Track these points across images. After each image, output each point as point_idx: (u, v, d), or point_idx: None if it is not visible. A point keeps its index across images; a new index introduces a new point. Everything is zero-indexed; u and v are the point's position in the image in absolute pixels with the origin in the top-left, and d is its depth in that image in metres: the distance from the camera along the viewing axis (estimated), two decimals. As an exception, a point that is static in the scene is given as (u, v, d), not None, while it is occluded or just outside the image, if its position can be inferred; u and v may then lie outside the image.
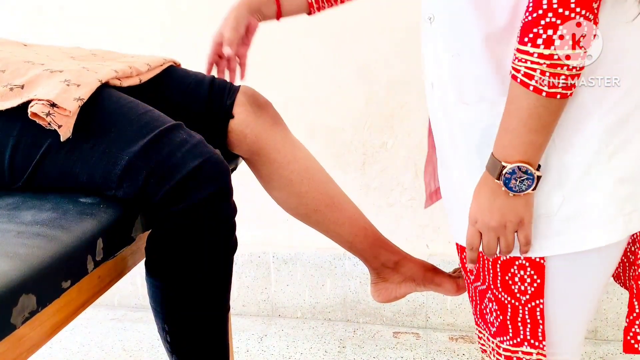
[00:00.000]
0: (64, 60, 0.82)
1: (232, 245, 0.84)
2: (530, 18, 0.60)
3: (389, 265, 1.00)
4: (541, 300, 0.72)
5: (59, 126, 0.69)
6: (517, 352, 0.75)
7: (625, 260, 0.79)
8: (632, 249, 0.76)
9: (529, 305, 0.73)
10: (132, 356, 1.61)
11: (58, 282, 0.63)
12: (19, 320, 0.57)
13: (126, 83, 0.83)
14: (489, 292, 0.77)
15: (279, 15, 0.98)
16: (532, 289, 0.72)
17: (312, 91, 1.63)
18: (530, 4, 0.60)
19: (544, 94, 0.61)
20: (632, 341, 0.73)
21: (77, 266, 0.66)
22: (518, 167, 0.65)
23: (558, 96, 0.61)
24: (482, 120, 0.70)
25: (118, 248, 0.74)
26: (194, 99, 0.89)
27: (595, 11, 0.59)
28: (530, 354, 0.74)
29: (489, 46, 0.67)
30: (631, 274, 0.79)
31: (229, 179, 0.79)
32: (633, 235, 0.74)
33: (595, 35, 0.60)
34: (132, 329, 1.74)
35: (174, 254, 0.78)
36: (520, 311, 0.74)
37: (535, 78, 0.61)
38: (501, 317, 0.76)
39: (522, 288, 0.73)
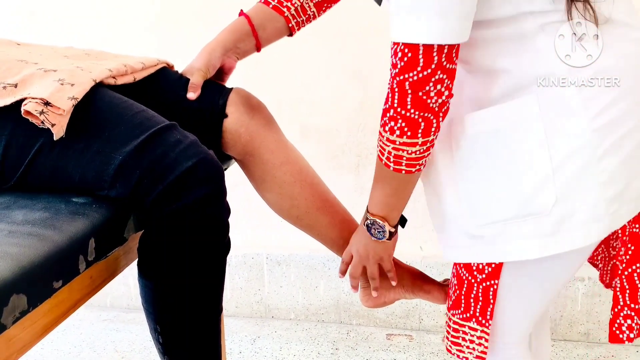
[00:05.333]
0: (58, 60, 0.82)
1: (226, 246, 0.84)
2: (384, 107, 0.70)
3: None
4: (496, 281, 0.76)
5: (52, 125, 0.69)
6: (464, 326, 0.80)
7: (605, 255, 0.81)
8: (614, 244, 0.79)
9: (484, 284, 0.77)
10: (124, 357, 1.60)
11: (49, 282, 0.63)
12: (9, 320, 0.57)
13: (121, 81, 0.83)
14: (453, 267, 0.83)
15: (258, 47, 0.96)
16: (490, 269, 0.76)
17: (306, 93, 1.63)
18: (385, 95, 0.69)
19: (391, 168, 0.73)
20: (617, 332, 0.76)
21: (69, 266, 0.66)
22: (375, 221, 0.81)
23: (403, 172, 0.73)
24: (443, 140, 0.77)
25: (110, 248, 0.74)
26: (187, 101, 0.89)
27: (437, 109, 0.67)
28: (476, 330, 0.79)
29: None
30: (608, 268, 0.81)
31: (223, 180, 0.79)
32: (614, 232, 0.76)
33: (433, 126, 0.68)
34: (124, 330, 1.73)
35: (166, 255, 0.78)
36: (475, 288, 0.78)
37: (385, 155, 0.73)
38: (457, 292, 0.81)
39: (480, 267, 0.77)
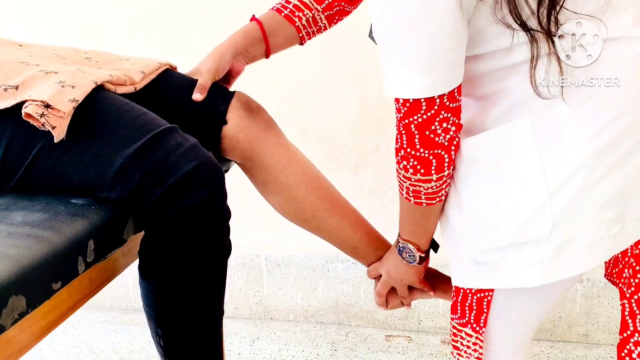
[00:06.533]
0: (59, 64, 0.82)
1: (226, 248, 0.84)
2: (396, 146, 0.71)
3: None
4: (490, 293, 0.77)
5: (53, 127, 0.69)
6: (461, 331, 0.82)
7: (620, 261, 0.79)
8: (627, 260, 0.76)
9: (478, 295, 0.78)
10: (123, 359, 1.60)
11: (48, 283, 0.63)
12: (8, 321, 0.57)
13: (120, 91, 0.82)
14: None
15: (268, 53, 0.96)
16: None
17: (306, 93, 1.63)
18: (395, 136, 0.71)
19: (412, 202, 0.75)
20: (627, 359, 0.74)
21: (68, 267, 0.66)
22: (406, 245, 0.83)
23: (424, 204, 0.74)
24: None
25: (109, 249, 0.74)
26: (188, 104, 0.89)
27: (446, 144, 0.67)
28: (471, 336, 0.80)
29: None
30: (624, 283, 0.78)
31: (224, 183, 0.79)
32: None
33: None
34: (123, 332, 1.73)
35: (167, 257, 0.78)
36: (469, 298, 0.79)
37: (404, 190, 0.74)
38: (455, 298, 0.82)
39: None
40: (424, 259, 0.85)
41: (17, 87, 0.72)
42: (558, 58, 0.64)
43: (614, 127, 0.65)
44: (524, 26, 0.62)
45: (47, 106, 0.69)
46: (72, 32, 1.69)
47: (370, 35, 0.83)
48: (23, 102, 0.70)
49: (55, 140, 0.70)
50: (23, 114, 0.69)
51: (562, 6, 0.62)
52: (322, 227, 0.94)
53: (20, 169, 0.74)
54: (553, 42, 0.63)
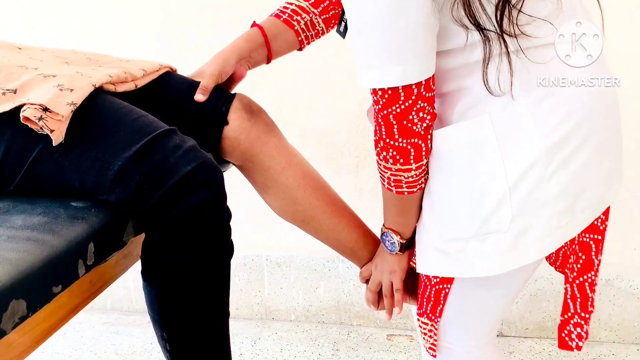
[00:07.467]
0: (58, 65, 0.82)
1: (228, 249, 0.84)
2: (374, 138, 0.73)
3: None
4: (448, 285, 0.80)
5: (51, 131, 0.69)
6: (419, 320, 0.87)
7: (566, 251, 0.83)
8: (574, 247, 0.80)
9: (437, 287, 0.81)
10: (124, 360, 1.60)
11: (49, 287, 0.63)
12: (8, 325, 0.57)
13: (121, 88, 0.82)
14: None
15: (269, 58, 0.98)
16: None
17: (305, 94, 1.63)
18: (373, 127, 0.72)
19: (393, 191, 0.77)
20: (567, 339, 0.81)
21: (68, 271, 0.66)
22: (387, 233, 0.85)
23: (405, 193, 0.77)
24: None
25: (109, 252, 0.74)
26: (188, 105, 0.89)
27: (423, 132, 0.70)
28: (427, 324, 0.85)
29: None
30: (566, 270, 0.83)
31: (223, 184, 0.79)
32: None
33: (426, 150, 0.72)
34: (124, 333, 1.73)
35: (169, 260, 0.78)
36: (428, 290, 0.83)
37: (386, 180, 0.76)
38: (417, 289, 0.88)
39: None
40: (406, 247, 0.86)
41: (15, 91, 0.72)
42: (509, 57, 0.67)
43: (566, 123, 0.68)
44: (478, 26, 0.65)
45: (46, 109, 0.69)
46: (72, 33, 1.69)
47: (338, 30, 0.85)
48: (21, 106, 0.70)
49: (54, 144, 0.70)
50: (21, 118, 0.69)
51: (520, 10, 0.65)
52: (320, 228, 0.95)
53: (20, 172, 0.74)
54: (505, 42, 0.66)
